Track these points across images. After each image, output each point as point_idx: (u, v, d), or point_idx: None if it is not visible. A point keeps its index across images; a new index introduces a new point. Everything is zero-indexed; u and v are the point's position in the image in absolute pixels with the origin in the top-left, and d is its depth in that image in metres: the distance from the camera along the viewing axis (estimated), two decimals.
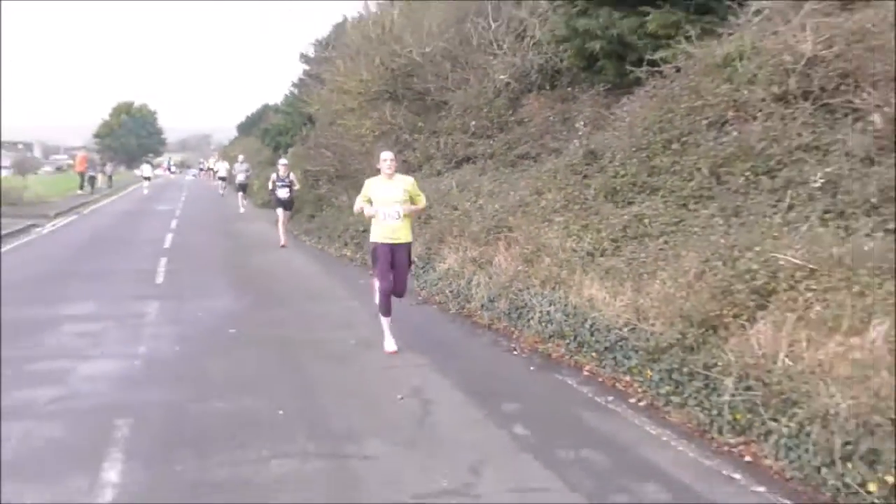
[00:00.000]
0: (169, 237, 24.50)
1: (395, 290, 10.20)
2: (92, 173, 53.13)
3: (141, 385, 8.75)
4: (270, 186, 22.35)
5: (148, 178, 59.22)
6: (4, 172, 65.35)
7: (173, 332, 11.39)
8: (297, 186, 22.81)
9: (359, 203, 10.23)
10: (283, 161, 23.41)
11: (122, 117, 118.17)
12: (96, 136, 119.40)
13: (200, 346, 10.57)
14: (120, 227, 29.06)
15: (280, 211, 22.12)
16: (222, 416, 7.67)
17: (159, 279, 16.36)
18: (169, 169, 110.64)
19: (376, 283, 10.23)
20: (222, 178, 50.07)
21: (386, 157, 10.24)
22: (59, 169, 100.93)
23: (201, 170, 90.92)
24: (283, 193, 21.82)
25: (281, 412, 7.77)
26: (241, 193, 36.28)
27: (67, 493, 5.95)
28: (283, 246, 21.57)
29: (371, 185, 10.19)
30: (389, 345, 10.20)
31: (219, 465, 6.48)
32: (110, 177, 63.72)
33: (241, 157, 40.10)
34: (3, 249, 21.08)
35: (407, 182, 10.39)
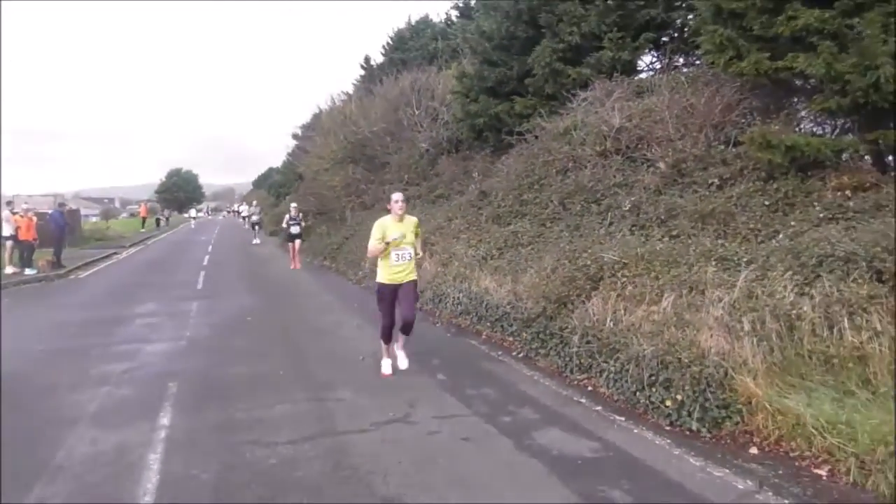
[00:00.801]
0: (206, 258, 23.80)
1: (405, 316, 7.20)
2: (158, 216, 53.15)
3: (185, 358, 8.39)
4: (284, 224, 19.17)
5: (195, 218, 68.52)
6: (93, 219, 63.33)
7: (209, 321, 11.00)
8: (303, 224, 19.78)
9: (375, 244, 6.95)
10: (294, 204, 19.88)
11: (173, 178, 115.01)
12: (157, 191, 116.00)
13: (227, 330, 10.23)
14: (172, 251, 28.14)
15: (291, 244, 18.91)
16: (241, 377, 7.40)
17: (199, 286, 15.85)
18: (207, 212, 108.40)
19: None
20: (244, 217, 47.95)
21: (398, 199, 7.09)
22: (132, 215, 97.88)
23: (229, 212, 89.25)
24: (295, 229, 18.58)
25: (281, 372, 7.53)
26: (256, 228, 32.81)
27: (135, 433, 5.66)
28: (294, 268, 18.51)
29: (385, 227, 6.98)
30: (386, 368, 7.46)
31: (237, 410, 6.23)
32: (168, 219, 62.49)
33: (254, 202, 38.42)
34: (93, 270, 20.29)
35: (412, 222, 7.29)
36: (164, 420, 6.00)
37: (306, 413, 6.10)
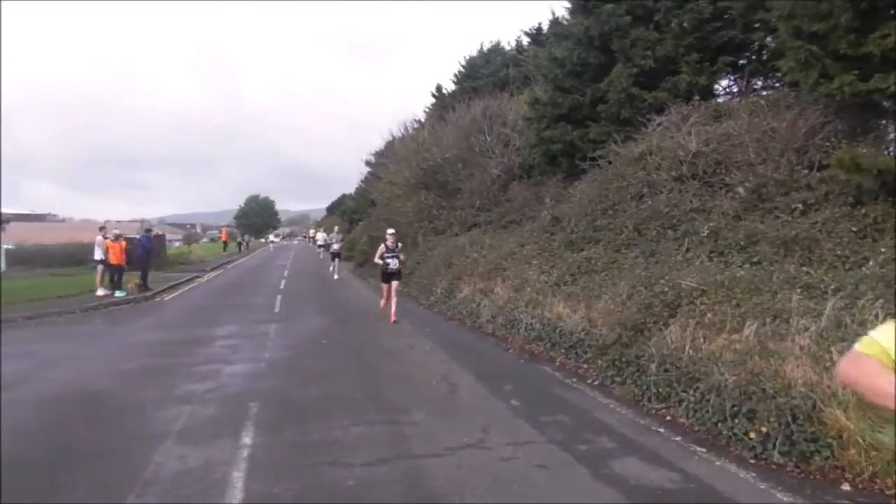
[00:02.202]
0: (283, 282, 24.50)
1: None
2: (239, 240, 55.49)
3: (265, 379, 8.66)
4: (379, 259, 13.36)
5: (273, 242, 73.98)
6: (177, 243, 66.18)
7: (286, 343, 11.32)
8: (402, 256, 13.69)
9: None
10: (390, 231, 13.72)
11: (251, 204, 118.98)
12: (235, 217, 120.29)
13: (303, 352, 10.49)
14: (251, 276, 29.10)
15: (387, 285, 13.45)
16: (317, 398, 7.58)
17: (276, 309, 16.33)
18: (282, 238, 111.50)
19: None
20: (321, 246, 41.63)
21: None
22: (212, 240, 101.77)
23: (304, 237, 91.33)
24: (394, 264, 13.19)
25: (356, 395, 7.67)
26: (335, 261, 26.38)
27: (219, 451, 5.87)
28: (394, 322, 13.04)
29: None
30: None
31: (315, 430, 6.38)
32: (248, 243, 64.87)
33: (336, 228, 31.01)
34: (177, 292, 21.19)
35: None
36: (247, 439, 6.19)
37: (381, 435, 6.20)
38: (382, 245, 13.35)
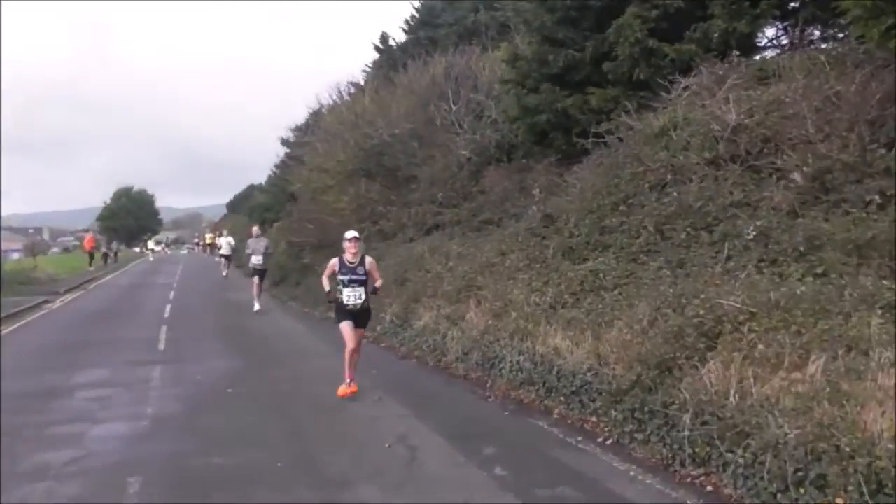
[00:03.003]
0: (168, 308, 24.19)
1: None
2: (105, 250, 54.31)
3: (149, 443, 8.55)
4: (328, 283, 11.00)
5: (154, 251, 74.52)
6: (15, 255, 64.60)
7: (177, 392, 11.21)
8: (377, 278, 11.33)
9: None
10: (351, 235, 11.08)
11: (122, 201, 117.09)
12: (99, 218, 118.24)
13: (202, 405, 10.39)
14: (123, 299, 28.69)
15: (349, 330, 10.75)
16: (225, 471, 7.49)
17: (161, 345, 16.11)
18: (165, 246, 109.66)
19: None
20: (225, 257, 36.48)
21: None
22: (66, 250, 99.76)
23: (196, 244, 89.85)
24: (356, 297, 10.60)
25: (279, 464, 7.59)
26: (256, 280, 22.68)
27: None
28: (352, 392, 10.79)
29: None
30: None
31: None
32: (116, 253, 63.63)
33: (255, 231, 23.61)
34: (18, 324, 20.73)
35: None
36: None
37: None
38: (335, 260, 10.87)
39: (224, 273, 35.95)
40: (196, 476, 7.36)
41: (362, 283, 10.73)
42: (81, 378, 12.46)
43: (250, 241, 22.55)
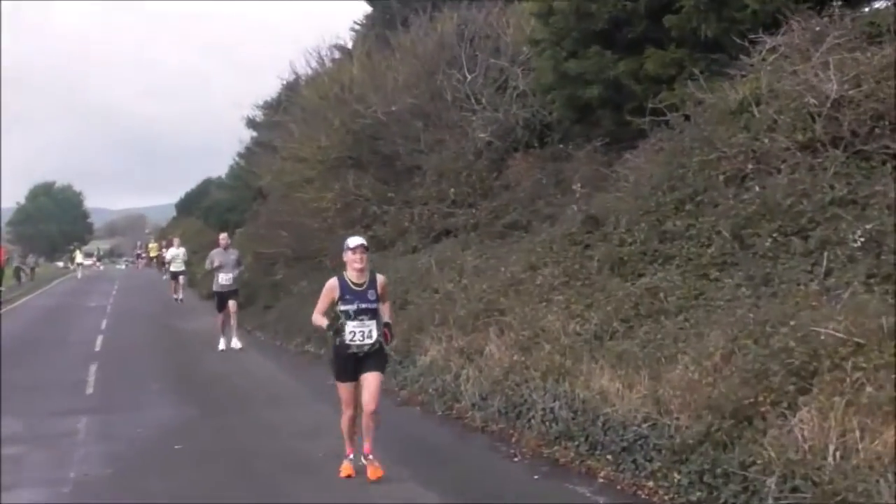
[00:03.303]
0: (99, 339, 24.28)
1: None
2: (18, 264, 54.09)
3: None
4: (321, 321, 9.73)
5: (82, 266, 69.61)
6: None
7: (108, 450, 11.25)
8: (388, 313, 10.76)
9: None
10: (356, 242, 9.85)
11: (40, 200, 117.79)
12: (10, 223, 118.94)
13: (140, 468, 10.43)
14: (43, 328, 28.95)
15: (347, 390, 10.45)
16: None
17: (90, 389, 16.19)
18: (98, 259, 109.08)
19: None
20: (176, 275, 35.65)
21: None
22: None
23: (139, 256, 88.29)
24: (364, 335, 9.42)
25: None
26: (231, 304, 20.87)
27: None
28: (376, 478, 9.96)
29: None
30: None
31: None
32: (33, 269, 63.83)
33: (222, 240, 21.72)
34: None
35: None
36: None
37: None
38: (334, 282, 9.53)
39: (177, 297, 35.16)
40: None
41: (374, 314, 9.35)
42: None
43: (214, 254, 20.63)
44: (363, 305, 9.24)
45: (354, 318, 9.20)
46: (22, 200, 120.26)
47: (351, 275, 9.35)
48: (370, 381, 9.24)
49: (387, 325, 9.57)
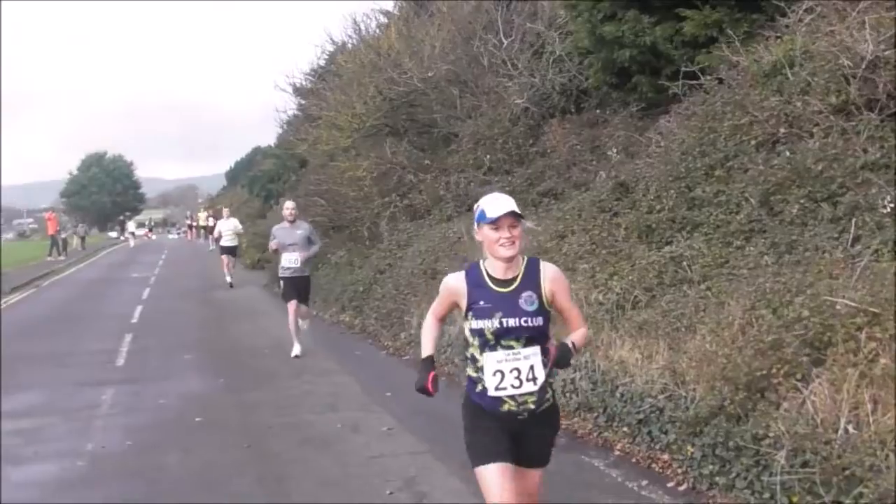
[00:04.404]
0: (138, 310, 24.47)
1: None
2: (63, 235, 53.80)
3: (80, 491, 8.61)
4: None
5: (134, 236, 74.30)
6: None
7: (130, 423, 11.33)
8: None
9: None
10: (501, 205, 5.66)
11: (92, 171, 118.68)
12: (63, 195, 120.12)
13: (159, 440, 10.48)
14: (85, 299, 29.33)
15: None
16: None
17: (121, 360, 16.32)
18: (150, 229, 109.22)
19: None
20: (228, 251, 31.45)
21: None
22: (21, 235, 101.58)
23: (190, 227, 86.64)
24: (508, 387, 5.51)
25: None
26: (300, 307, 15.99)
27: None
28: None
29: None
30: None
31: None
32: (83, 238, 64.09)
33: (287, 209, 16.45)
34: None
35: None
36: None
37: None
38: (457, 281, 5.61)
39: (228, 278, 30.68)
40: None
41: (538, 338, 5.41)
42: (8, 405, 12.60)
43: (277, 230, 15.79)
44: (514, 321, 5.29)
45: (498, 346, 5.33)
46: (75, 171, 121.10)
47: (491, 266, 5.42)
48: (528, 480, 5.58)
49: (568, 350, 5.50)
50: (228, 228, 31.43)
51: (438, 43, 22.40)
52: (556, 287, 5.38)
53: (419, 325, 14.84)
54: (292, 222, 15.31)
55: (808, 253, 8.95)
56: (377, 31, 30.85)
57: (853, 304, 7.09)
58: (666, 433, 8.35)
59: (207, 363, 15.67)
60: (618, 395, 9.33)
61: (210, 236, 48.46)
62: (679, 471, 7.95)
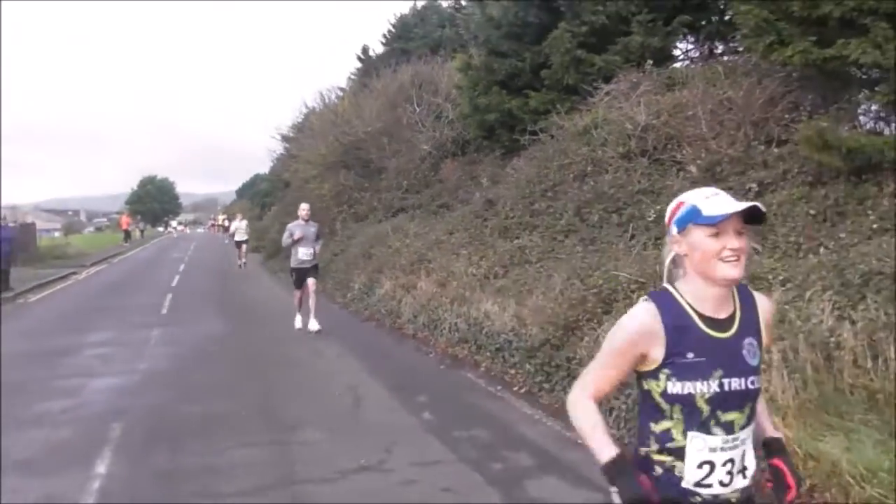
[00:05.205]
0: (177, 278, 23.97)
1: None
2: (126, 228, 53.90)
3: (136, 394, 8.43)
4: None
5: (177, 229, 79.83)
6: (55, 233, 64.09)
7: (169, 351, 11.09)
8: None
9: None
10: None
11: (147, 188, 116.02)
12: (128, 202, 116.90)
13: (188, 361, 10.31)
14: (140, 271, 28.58)
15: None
16: (197, 417, 7.42)
17: (164, 310, 15.97)
18: (185, 226, 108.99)
19: None
20: (239, 244, 29.18)
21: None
22: (98, 229, 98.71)
23: (212, 224, 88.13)
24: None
25: (244, 412, 7.53)
26: (311, 283, 12.53)
27: (63, 484, 5.67)
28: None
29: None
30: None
31: (187, 455, 6.24)
32: (142, 231, 64.01)
33: (302, 209, 12.93)
34: (47, 292, 20.53)
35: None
36: (101, 468, 5.98)
37: (265, 459, 6.10)
38: (650, 316, 2.16)
39: (240, 262, 28.33)
40: (170, 422, 7.29)
41: (754, 407, 2.22)
42: (90, 338, 12.29)
43: (293, 226, 12.61)
44: (739, 384, 2.12)
45: (712, 423, 2.11)
46: (135, 187, 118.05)
47: (695, 295, 2.16)
48: None
49: (778, 450, 2.29)
50: (241, 227, 30.07)
51: (375, 109, 22.26)
52: (769, 326, 2.30)
53: (360, 289, 14.79)
54: (307, 220, 12.69)
55: (604, 245, 9.14)
56: (335, 100, 30.49)
57: (630, 276, 7.25)
58: (513, 356, 8.43)
59: (223, 313, 15.33)
60: (483, 332, 9.34)
61: (226, 232, 48.04)
62: (521, 380, 8.04)
